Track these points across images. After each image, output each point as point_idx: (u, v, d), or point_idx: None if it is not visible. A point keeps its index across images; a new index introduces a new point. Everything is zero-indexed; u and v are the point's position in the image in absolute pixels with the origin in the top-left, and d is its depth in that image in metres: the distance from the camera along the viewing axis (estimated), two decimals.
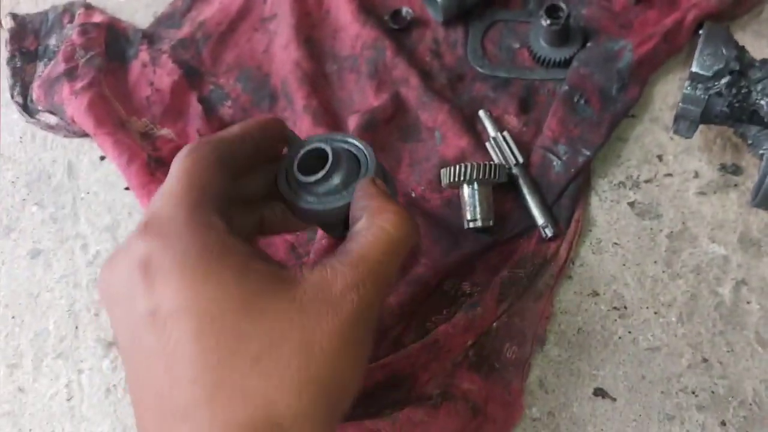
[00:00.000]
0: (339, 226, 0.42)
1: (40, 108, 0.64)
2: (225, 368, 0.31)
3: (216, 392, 0.31)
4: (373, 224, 0.37)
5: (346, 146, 0.43)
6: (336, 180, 0.41)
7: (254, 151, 0.42)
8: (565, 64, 0.61)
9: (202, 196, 0.36)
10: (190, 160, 0.37)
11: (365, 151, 0.43)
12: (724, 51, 0.50)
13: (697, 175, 0.57)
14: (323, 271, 0.35)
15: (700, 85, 0.51)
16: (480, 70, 0.62)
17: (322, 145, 0.41)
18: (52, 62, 0.64)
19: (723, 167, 0.57)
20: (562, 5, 0.60)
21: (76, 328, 0.55)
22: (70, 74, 0.62)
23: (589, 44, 0.61)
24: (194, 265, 0.33)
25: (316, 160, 0.41)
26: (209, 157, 0.38)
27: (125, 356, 0.35)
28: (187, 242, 0.33)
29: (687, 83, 0.51)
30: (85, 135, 0.62)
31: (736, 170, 0.57)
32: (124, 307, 0.34)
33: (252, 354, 0.32)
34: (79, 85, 0.60)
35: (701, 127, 0.53)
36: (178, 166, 0.37)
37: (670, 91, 0.61)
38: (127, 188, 0.60)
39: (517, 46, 0.64)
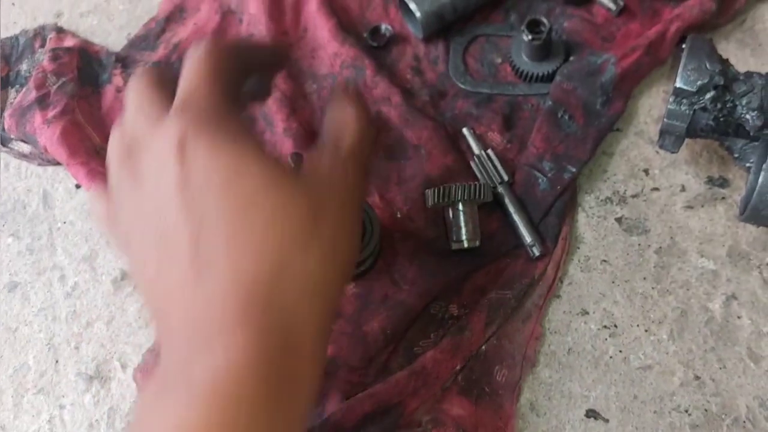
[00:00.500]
0: None
1: (12, 137, 0.62)
2: (245, 229, 0.36)
3: (237, 248, 0.36)
4: (336, 118, 0.44)
5: None
6: None
7: (259, 66, 0.46)
8: (548, 78, 0.60)
9: (225, 90, 0.40)
10: (216, 57, 0.41)
11: (370, 215, 0.52)
12: (707, 65, 0.50)
13: (684, 188, 0.56)
14: (310, 158, 0.41)
15: (684, 100, 0.50)
16: (462, 86, 0.61)
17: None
18: (24, 90, 0.62)
19: (710, 180, 0.57)
20: (543, 20, 0.59)
21: (57, 362, 0.54)
22: (42, 102, 0.60)
23: (571, 58, 0.61)
24: (221, 145, 0.37)
25: None
26: (231, 58, 0.42)
27: (149, 224, 0.38)
28: (217, 125, 0.38)
29: (671, 98, 0.51)
30: (59, 163, 0.60)
31: (724, 183, 0.56)
32: (153, 180, 0.38)
33: (267, 219, 0.36)
34: (51, 113, 0.59)
35: (687, 139, 0.53)
36: (204, 59, 0.41)
37: (654, 104, 0.60)
38: None
39: (499, 61, 0.63)
